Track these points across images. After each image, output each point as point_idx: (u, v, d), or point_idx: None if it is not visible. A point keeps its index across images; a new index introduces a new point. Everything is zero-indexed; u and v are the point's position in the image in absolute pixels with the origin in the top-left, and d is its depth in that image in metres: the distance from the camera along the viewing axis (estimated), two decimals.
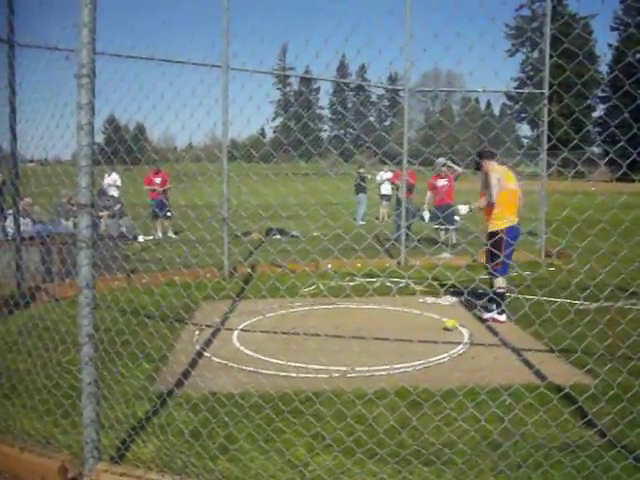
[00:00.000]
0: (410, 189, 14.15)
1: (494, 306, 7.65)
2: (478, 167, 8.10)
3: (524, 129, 61.50)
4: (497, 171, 7.67)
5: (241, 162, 5.21)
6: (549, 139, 11.92)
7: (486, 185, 7.70)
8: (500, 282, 7.56)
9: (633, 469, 3.53)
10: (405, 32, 11.04)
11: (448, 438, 3.88)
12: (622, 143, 3.51)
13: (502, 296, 7.53)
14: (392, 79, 53.82)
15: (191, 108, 4.07)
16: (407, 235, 12.99)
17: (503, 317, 7.57)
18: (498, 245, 7.07)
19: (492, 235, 7.41)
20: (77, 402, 3.70)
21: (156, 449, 3.88)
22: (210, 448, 3.79)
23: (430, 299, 8.83)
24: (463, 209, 8.06)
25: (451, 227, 13.38)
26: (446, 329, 7.25)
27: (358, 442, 3.83)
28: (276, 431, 4.03)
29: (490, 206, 7.58)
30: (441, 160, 13.63)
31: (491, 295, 7.51)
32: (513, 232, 7.47)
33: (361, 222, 19.24)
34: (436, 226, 13.69)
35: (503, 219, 7.46)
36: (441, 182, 13.89)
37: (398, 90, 12.58)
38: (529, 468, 3.57)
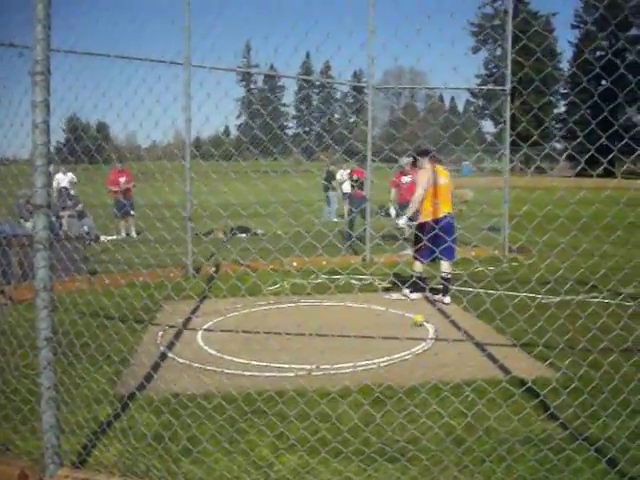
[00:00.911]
0: (360, 186, 14.29)
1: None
2: (415, 164, 9.01)
3: (487, 125, 62.16)
4: (427, 169, 8.42)
5: (200, 161, 5.14)
6: (511, 135, 12.09)
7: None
8: (418, 267, 8.39)
9: (594, 461, 3.58)
10: (367, 28, 11.05)
11: (412, 435, 3.89)
12: (580, 139, 3.54)
13: (419, 279, 8.22)
14: (356, 76, 53.92)
15: (150, 106, 4.01)
16: (351, 231, 13.20)
17: (447, 299, 8.33)
18: (422, 232, 7.89)
19: (421, 226, 8.21)
20: (36, 407, 3.61)
21: (118, 453, 3.81)
22: (173, 450, 3.74)
23: (395, 295, 8.86)
24: (401, 222, 8.63)
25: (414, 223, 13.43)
26: (415, 324, 7.29)
27: (322, 441, 3.81)
28: (240, 432, 3.99)
29: (419, 201, 8.35)
30: (405, 159, 13.68)
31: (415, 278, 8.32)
32: (448, 220, 8.21)
33: (335, 219, 19.18)
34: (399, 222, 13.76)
35: (431, 213, 8.26)
36: (405, 179, 13.95)
37: (361, 87, 12.61)
38: (493, 462, 3.60)
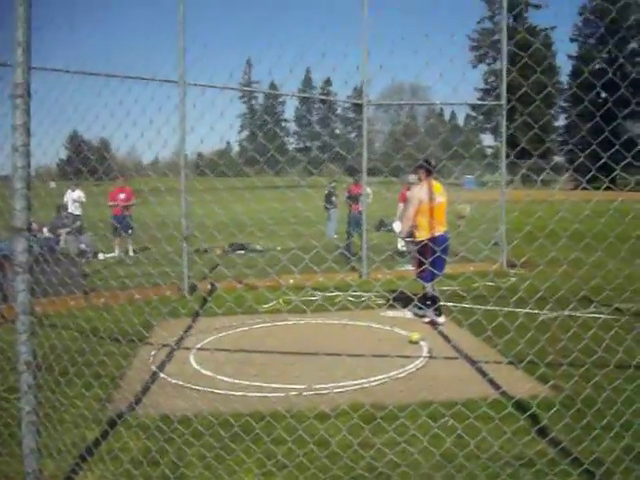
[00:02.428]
0: (356, 201, 14.29)
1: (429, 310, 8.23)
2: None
3: (488, 139, 62.32)
4: (422, 186, 8.24)
5: (205, 170, 5.11)
6: (512, 148, 12.08)
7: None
8: (428, 288, 8.10)
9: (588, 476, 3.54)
10: (361, 48, 11.13)
11: (402, 451, 3.84)
12: (581, 159, 3.52)
13: (434, 299, 8.06)
14: (357, 90, 54.12)
15: (145, 124, 4.01)
16: (352, 246, 13.21)
17: (442, 318, 8.10)
18: (424, 254, 7.37)
19: (422, 246, 7.69)
20: (17, 431, 3.58)
21: (99, 477, 3.78)
22: (154, 475, 3.68)
23: (391, 313, 8.80)
24: (394, 225, 8.60)
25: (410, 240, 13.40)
26: (411, 342, 7.24)
27: (310, 459, 3.77)
28: (228, 453, 3.96)
29: (410, 218, 8.19)
30: (412, 176, 13.69)
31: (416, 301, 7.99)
32: (441, 240, 7.78)
33: (334, 236, 19.12)
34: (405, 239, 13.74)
35: (428, 229, 8.04)
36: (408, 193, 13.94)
37: (358, 104, 12.63)
38: None
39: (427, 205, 8.09)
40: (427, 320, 8.23)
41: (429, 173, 8.25)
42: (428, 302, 8.16)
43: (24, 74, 3.36)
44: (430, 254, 7.17)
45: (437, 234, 7.98)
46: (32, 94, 3.41)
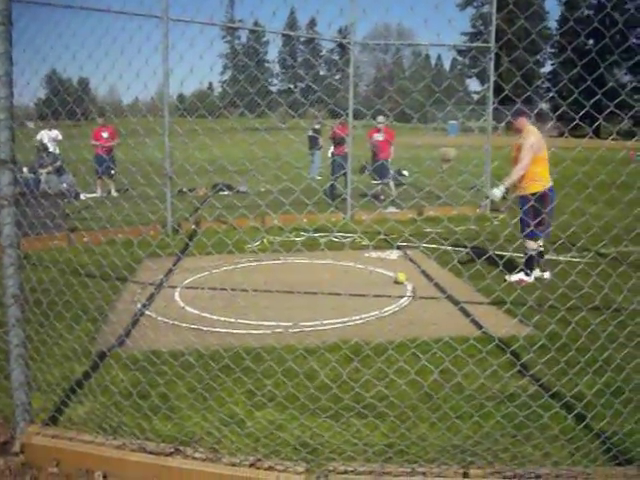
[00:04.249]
0: (341, 142, 14.11)
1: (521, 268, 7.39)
2: (510, 127, 7.70)
3: (474, 84, 61.69)
4: (533, 133, 7.21)
5: (185, 114, 5.01)
6: (498, 93, 11.98)
7: (519, 148, 7.23)
8: (532, 244, 7.26)
9: (562, 417, 3.65)
10: None
11: (381, 391, 3.92)
12: (564, 107, 3.49)
13: (532, 258, 7.31)
14: (342, 32, 53.03)
15: (129, 58, 3.89)
16: (335, 190, 13.18)
17: (530, 277, 7.30)
18: (541, 207, 6.67)
19: (540, 198, 6.79)
20: (5, 365, 3.59)
21: (89, 410, 3.82)
22: (143, 407, 3.73)
23: (376, 253, 8.87)
24: (498, 193, 7.22)
25: (385, 181, 13.38)
26: (397, 282, 7.32)
27: (292, 397, 3.84)
28: (209, 389, 4.02)
29: (522, 174, 7.13)
30: (380, 118, 13.58)
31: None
32: (552, 191, 7.16)
33: (318, 177, 19.00)
34: (373, 181, 13.71)
35: (542, 180, 7.13)
36: (376, 136, 13.84)
37: (346, 43, 12.40)
38: (462, 419, 3.65)
39: (541, 154, 7.17)
40: (514, 278, 7.19)
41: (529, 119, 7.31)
42: (532, 261, 7.34)
43: (4, 1, 3.25)
44: (549, 205, 6.85)
45: (549, 185, 7.18)
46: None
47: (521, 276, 7.28)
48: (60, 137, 16.11)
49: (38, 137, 15.57)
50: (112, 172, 15.35)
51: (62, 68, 4.25)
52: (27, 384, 3.49)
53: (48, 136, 15.84)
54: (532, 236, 7.06)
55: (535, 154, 7.07)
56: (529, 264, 7.29)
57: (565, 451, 3.31)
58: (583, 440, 3.34)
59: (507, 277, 7.12)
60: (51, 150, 15.32)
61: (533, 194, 6.84)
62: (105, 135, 15.56)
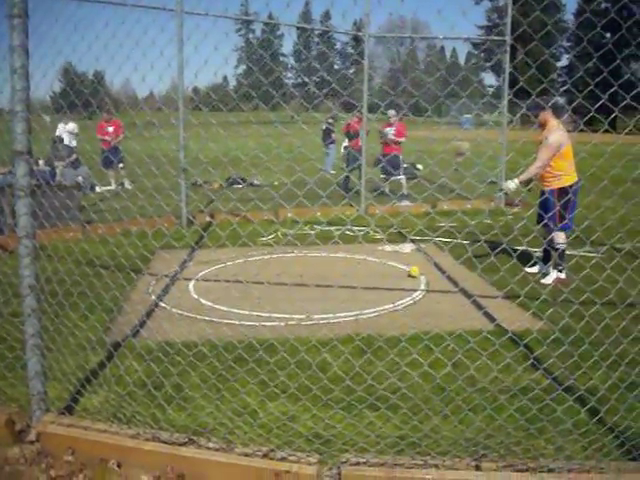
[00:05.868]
0: (356, 136, 14.09)
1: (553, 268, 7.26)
2: (526, 120, 7.50)
3: (489, 78, 61.25)
4: (556, 129, 7.05)
5: (200, 106, 5.02)
6: (513, 87, 11.88)
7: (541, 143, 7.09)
8: (562, 237, 7.09)
9: (575, 411, 3.64)
10: None
11: (394, 384, 3.92)
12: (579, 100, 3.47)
13: (563, 252, 7.17)
14: (357, 24, 52.77)
15: (144, 50, 3.90)
16: (349, 183, 13.13)
17: (563, 275, 7.10)
18: (569, 200, 6.67)
19: (564, 191, 6.82)
20: (22, 355, 3.63)
21: (103, 400, 3.86)
22: (158, 397, 3.76)
23: (389, 247, 8.86)
24: (512, 185, 7.16)
25: (397, 177, 13.31)
26: (410, 276, 7.31)
27: (305, 389, 3.85)
28: (222, 380, 4.04)
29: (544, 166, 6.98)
30: (392, 112, 13.56)
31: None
32: (577, 187, 7.06)
33: (332, 172, 18.95)
34: (382, 175, 13.66)
35: (569, 174, 7.02)
36: (387, 131, 13.78)
37: (359, 36, 12.36)
38: (474, 412, 3.64)
39: (565, 149, 6.97)
40: (550, 280, 7.04)
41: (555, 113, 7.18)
42: (564, 256, 7.18)
43: None
44: (573, 200, 6.77)
45: (576, 179, 7.06)
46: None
47: (557, 275, 7.11)
48: (76, 130, 16.21)
49: (57, 133, 15.68)
50: (121, 165, 15.41)
51: (77, 60, 4.25)
52: (43, 373, 3.53)
53: (64, 129, 15.94)
54: (564, 228, 6.91)
55: (559, 150, 6.92)
56: (562, 259, 7.13)
57: (578, 445, 3.30)
58: (596, 434, 3.33)
59: (542, 280, 7.02)
60: (66, 143, 15.41)
61: (560, 189, 6.83)
62: (110, 129, 15.62)
